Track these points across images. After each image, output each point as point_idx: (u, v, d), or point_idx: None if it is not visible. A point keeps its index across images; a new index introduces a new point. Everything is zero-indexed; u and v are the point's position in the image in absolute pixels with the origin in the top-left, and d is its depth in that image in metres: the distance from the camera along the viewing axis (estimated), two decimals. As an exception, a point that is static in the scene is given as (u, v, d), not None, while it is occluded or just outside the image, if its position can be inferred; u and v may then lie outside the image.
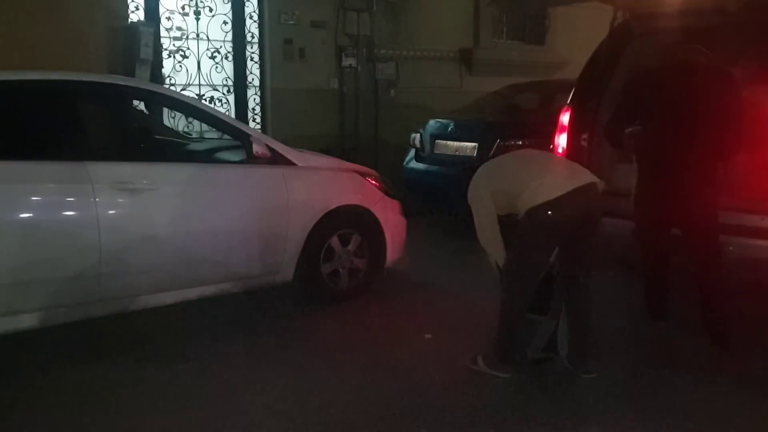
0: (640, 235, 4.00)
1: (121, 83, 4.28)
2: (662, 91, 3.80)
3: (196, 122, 6.78)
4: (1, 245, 3.36)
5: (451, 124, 6.88)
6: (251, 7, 7.75)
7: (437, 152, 6.93)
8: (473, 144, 6.49)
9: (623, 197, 4.18)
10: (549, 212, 3.25)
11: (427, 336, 4.06)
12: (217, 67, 7.60)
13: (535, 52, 10.01)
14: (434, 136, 6.99)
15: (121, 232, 3.68)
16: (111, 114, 4.29)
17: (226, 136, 4.58)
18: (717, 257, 3.67)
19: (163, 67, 6.99)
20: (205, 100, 7.49)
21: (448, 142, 6.79)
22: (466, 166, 6.47)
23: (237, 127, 4.38)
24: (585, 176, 3.40)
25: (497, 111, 7.14)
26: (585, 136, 4.59)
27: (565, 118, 4.71)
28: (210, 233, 4.03)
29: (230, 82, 7.75)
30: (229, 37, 7.65)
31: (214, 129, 4.51)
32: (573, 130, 4.67)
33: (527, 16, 9.92)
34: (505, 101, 7.40)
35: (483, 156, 6.10)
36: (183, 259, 3.93)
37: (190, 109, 4.43)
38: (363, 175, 4.89)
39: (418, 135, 7.23)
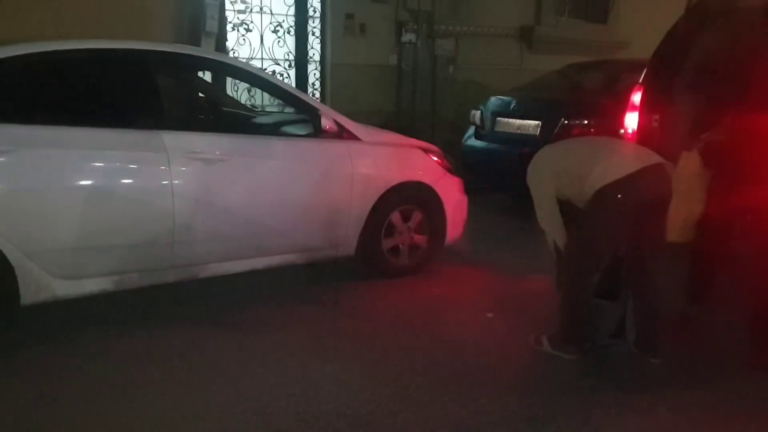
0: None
1: (197, 54, 4.35)
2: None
3: (257, 94, 6.88)
4: (79, 210, 3.47)
5: (514, 102, 6.79)
6: (317, -18, 7.77)
7: (498, 130, 6.85)
8: (536, 122, 6.40)
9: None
10: (618, 194, 3.19)
11: (489, 315, 4.06)
12: (279, 41, 7.66)
13: (598, 30, 9.77)
14: (496, 114, 6.91)
15: (194, 201, 3.77)
16: (184, 85, 4.37)
17: (291, 109, 4.62)
18: None
19: (227, 40, 7.07)
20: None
21: (510, 120, 6.71)
22: (529, 145, 6.46)
23: (307, 102, 4.42)
24: (654, 157, 3.32)
25: (561, 89, 7.01)
26: (656, 117, 4.46)
27: (636, 97, 4.58)
28: (277, 205, 4.10)
29: (292, 57, 7.79)
30: (292, 11, 7.68)
31: (283, 102, 4.54)
32: (644, 110, 4.54)
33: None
34: (568, 80, 7.26)
35: (546, 134, 6.04)
36: (251, 229, 4.02)
37: (264, 83, 4.48)
38: (426, 151, 4.88)
39: (479, 112, 7.15)
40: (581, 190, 3.31)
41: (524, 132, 6.52)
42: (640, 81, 4.61)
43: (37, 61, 3.47)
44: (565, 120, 6.09)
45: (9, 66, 3.38)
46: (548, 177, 3.38)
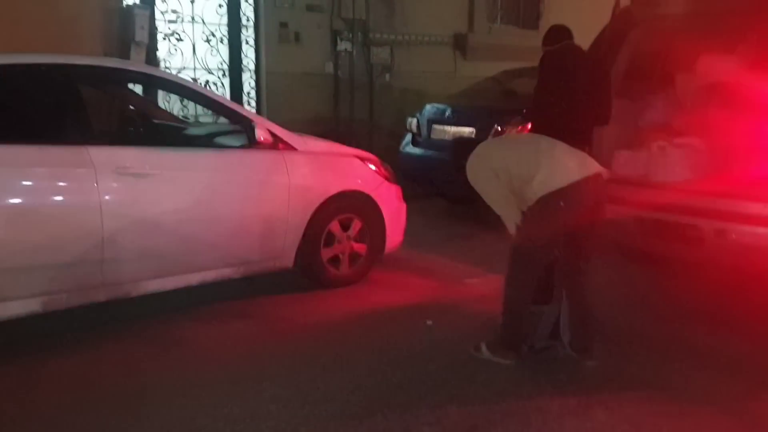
0: None
1: (122, 67, 4.24)
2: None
3: (190, 105, 6.74)
4: (2, 230, 3.32)
5: (448, 109, 6.86)
6: (248, -10, 7.68)
7: (434, 137, 6.92)
8: (470, 129, 6.48)
9: (622, 184, 4.21)
10: (561, 202, 3.26)
11: (429, 322, 4.06)
12: (212, 51, 7.54)
13: (530, 36, 9.93)
14: (431, 121, 6.98)
15: (123, 217, 3.66)
16: (111, 98, 4.24)
17: (224, 120, 4.54)
18: None
19: (158, 50, 6.92)
20: (200, 83, 7.42)
21: (446, 127, 6.78)
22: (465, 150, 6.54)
23: (239, 112, 4.35)
24: (593, 165, 3.41)
25: (494, 96, 7.12)
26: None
27: (566, 104, 4.70)
28: (211, 219, 4.01)
29: (225, 66, 7.68)
30: (225, 20, 7.57)
31: (215, 113, 4.46)
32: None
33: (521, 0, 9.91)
34: (501, 86, 7.38)
35: (481, 141, 6.09)
36: (184, 244, 3.92)
37: (194, 94, 4.39)
38: (363, 160, 4.87)
39: (415, 119, 7.20)
40: (521, 192, 3.37)
41: (459, 138, 6.58)
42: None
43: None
44: (498, 126, 6.19)
45: None
46: (486, 173, 3.42)
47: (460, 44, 9.39)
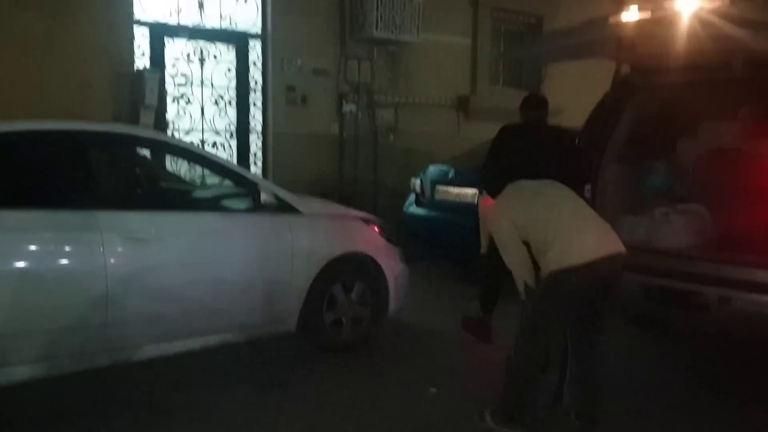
0: None
1: (130, 132, 4.33)
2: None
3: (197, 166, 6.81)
4: (7, 294, 3.33)
5: (452, 170, 6.93)
6: (255, 54, 7.86)
7: (438, 198, 6.97)
8: (474, 190, 6.53)
9: (629, 249, 4.21)
10: (574, 279, 3.22)
11: (432, 390, 4.02)
12: (220, 113, 7.67)
13: (532, 99, 10.14)
14: (435, 182, 7.04)
15: (128, 282, 3.67)
16: (119, 162, 4.31)
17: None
18: None
19: (166, 112, 7.04)
20: (208, 145, 7.54)
21: (449, 188, 6.83)
22: (467, 212, 6.56)
23: (244, 176, 4.41)
24: (612, 243, 3.32)
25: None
26: (588, 187, 4.63)
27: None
28: (215, 283, 4.02)
29: (233, 128, 7.80)
30: (233, 83, 7.73)
31: (221, 177, 4.53)
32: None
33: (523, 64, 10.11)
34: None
35: (484, 202, 6.13)
36: (188, 308, 3.92)
37: (198, 158, 4.46)
38: (366, 221, 4.90)
39: (419, 180, 7.27)
40: (537, 254, 3.35)
41: (463, 200, 6.64)
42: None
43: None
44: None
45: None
46: (510, 225, 3.38)
47: (462, 106, 9.55)
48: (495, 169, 4.35)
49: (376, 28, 7.97)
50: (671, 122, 4.73)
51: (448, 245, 6.78)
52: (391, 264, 4.83)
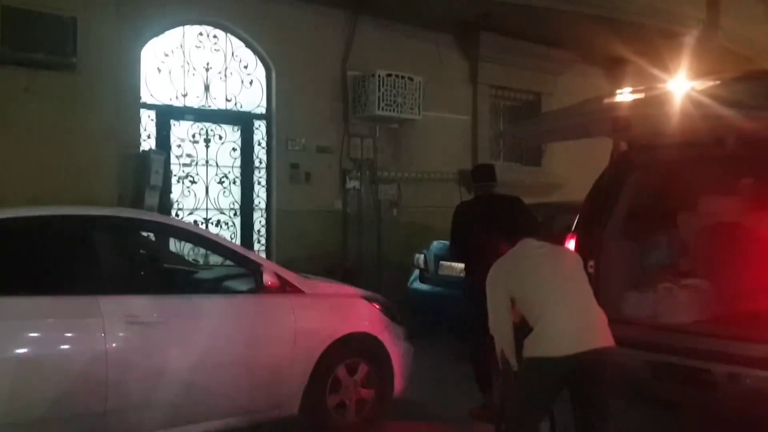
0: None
1: (132, 216, 4.39)
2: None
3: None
4: (8, 383, 3.31)
5: (456, 246, 6.93)
6: (260, 134, 8.03)
7: (442, 273, 6.96)
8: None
9: (634, 326, 4.18)
10: (548, 371, 3.16)
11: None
12: (225, 192, 7.77)
13: (533, 173, 10.27)
14: (438, 257, 7.05)
15: (129, 367, 3.65)
16: (122, 246, 4.35)
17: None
18: None
19: (171, 192, 7.13)
20: (212, 223, 7.61)
21: (453, 264, 6.83)
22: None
23: (248, 257, 4.44)
24: (596, 338, 3.21)
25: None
26: (591, 263, 4.63)
27: (570, 245, 4.77)
28: (217, 367, 4.00)
29: (237, 206, 7.89)
30: (238, 162, 7.87)
31: (224, 258, 4.56)
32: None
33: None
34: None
35: (488, 279, 6.12)
36: (190, 393, 3.88)
37: (201, 240, 4.50)
38: (369, 300, 4.88)
39: (422, 256, 7.28)
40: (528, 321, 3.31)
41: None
42: (573, 229, 4.81)
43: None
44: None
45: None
46: (500, 291, 3.37)
47: (465, 180, 9.65)
48: (457, 242, 5.18)
49: (378, 107, 8.16)
50: (671, 197, 4.78)
51: (453, 321, 6.72)
52: (395, 344, 4.78)
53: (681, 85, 3.83)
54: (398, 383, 4.75)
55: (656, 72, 6.17)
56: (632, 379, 4.23)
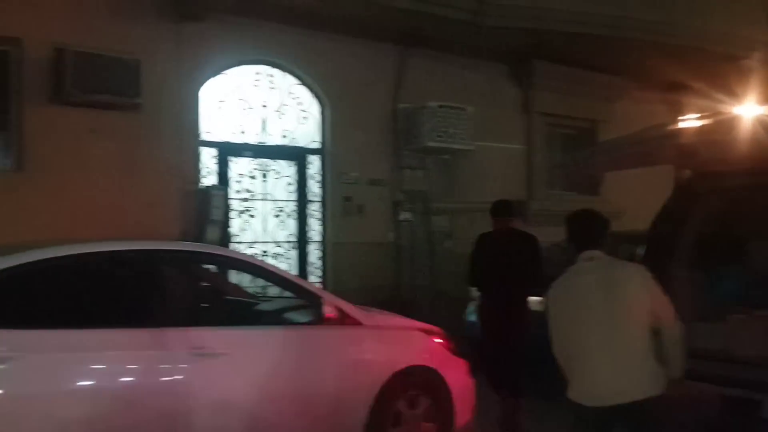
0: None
1: (199, 250, 4.50)
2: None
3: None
4: (80, 415, 3.39)
5: (513, 277, 6.83)
6: (314, 168, 8.15)
7: (499, 306, 6.83)
8: (539, 298, 6.39)
9: (704, 359, 4.02)
10: (583, 416, 3.04)
11: None
12: (281, 225, 7.88)
13: (590, 202, 10.06)
14: (496, 289, 6.93)
15: (196, 398, 3.70)
16: (187, 279, 4.42)
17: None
18: None
19: (230, 226, 7.27)
20: (269, 256, 7.70)
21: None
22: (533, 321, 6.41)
23: (308, 289, 4.48)
24: (637, 385, 2.97)
25: (558, 263, 7.08)
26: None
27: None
28: (280, 398, 4.01)
29: (293, 238, 7.98)
30: (293, 196, 7.99)
31: (284, 290, 4.61)
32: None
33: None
34: (565, 253, 7.36)
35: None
36: (254, 425, 3.90)
37: (264, 272, 4.55)
38: (429, 333, 4.84)
39: (479, 287, 7.18)
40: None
41: (527, 307, 6.48)
42: (642, 259, 4.69)
43: (43, 268, 3.58)
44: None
45: (16, 274, 3.47)
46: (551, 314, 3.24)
47: (519, 211, 9.57)
48: (475, 272, 5.62)
49: (430, 139, 8.19)
50: (740, 225, 4.63)
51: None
52: (455, 377, 4.71)
53: (750, 110, 3.72)
54: (460, 418, 4.66)
55: (716, 97, 6.04)
56: (702, 413, 4.08)
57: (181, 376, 3.66)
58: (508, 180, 9.51)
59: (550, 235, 7.84)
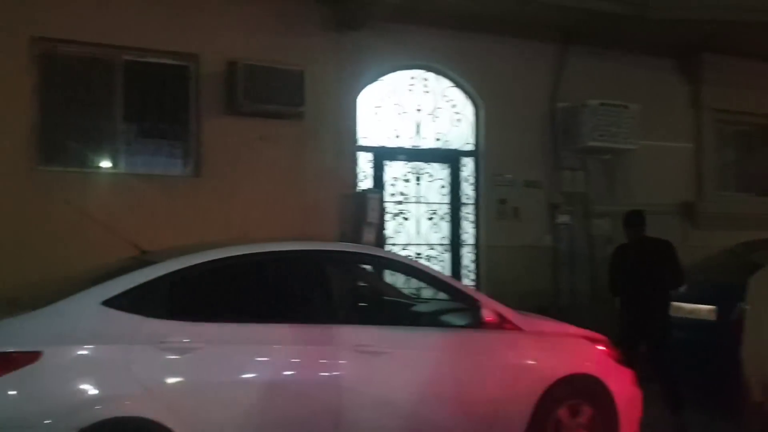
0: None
1: (360, 251, 4.64)
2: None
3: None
4: (251, 404, 3.58)
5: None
6: (467, 170, 8.12)
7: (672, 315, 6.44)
8: (710, 307, 5.95)
9: None
10: None
11: None
12: (434, 227, 7.93)
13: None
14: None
15: (359, 396, 3.79)
16: (349, 278, 4.57)
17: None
18: None
19: (385, 229, 7.43)
20: (423, 258, 7.78)
21: (681, 304, 6.28)
22: (703, 331, 5.97)
23: (467, 293, 4.45)
24: None
25: (735, 271, 6.54)
26: None
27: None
28: (438, 400, 4.01)
29: (446, 241, 8.00)
30: (447, 199, 8.01)
31: (442, 293, 4.61)
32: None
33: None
34: (741, 260, 6.78)
35: (723, 321, 5.57)
36: (413, 424, 3.93)
37: (423, 275, 4.58)
38: (592, 341, 4.64)
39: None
40: None
41: (697, 317, 6.07)
42: None
43: (222, 266, 3.82)
44: (743, 305, 5.61)
45: (198, 271, 3.75)
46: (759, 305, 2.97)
47: (688, 213, 8.95)
48: (614, 282, 5.96)
49: (591, 139, 7.89)
50: None
51: (681, 367, 6.16)
52: (621, 387, 4.48)
53: None
54: (625, 429, 4.42)
55: None
56: None
57: (346, 372, 3.76)
58: (674, 181, 8.95)
59: (721, 240, 7.27)
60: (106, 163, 6.45)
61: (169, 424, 3.38)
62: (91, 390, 3.32)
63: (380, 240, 7.21)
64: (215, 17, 6.65)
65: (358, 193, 7.30)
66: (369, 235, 6.96)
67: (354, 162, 7.47)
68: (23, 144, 5.97)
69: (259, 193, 6.78)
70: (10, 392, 3.19)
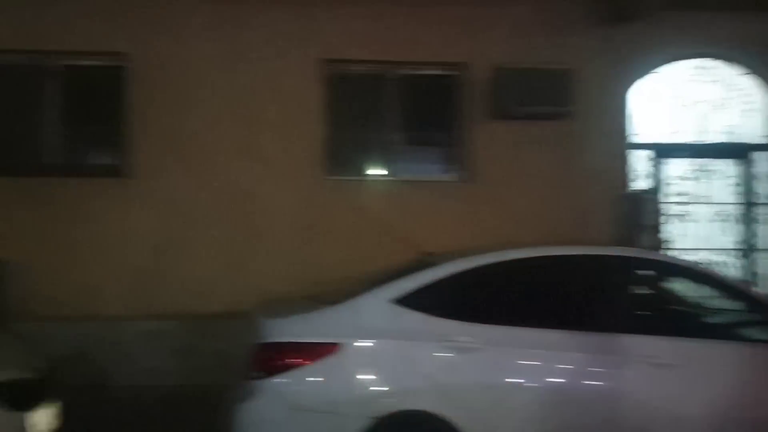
0: None
1: (643, 256, 4.31)
2: None
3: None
4: (524, 408, 3.56)
5: None
6: (761, 166, 7.21)
7: None
8: None
9: None
10: None
11: None
12: (722, 230, 7.17)
13: None
14: None
15: (643, 408, 3.56)
16: (632, 286, 4.29)
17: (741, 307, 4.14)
18: None
19: (661, 231, 6.90)
20: (709, 263, 7.07)
21: None
22: None
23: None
24: None
25: None
26: None
27: None
28: (737, 422, 3.61)
29: (737, 245, 7.18)
30: (736, 198, 7.22)
31: (740, 305, 4.13)
32: None
33: None
34: None
35: None
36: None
37: (718, 283, 4.12)
38: None
39: None
40: None
41: None
42: None
43: (505, 269, 3.86)
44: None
45: (481, 274, 3.81)
46: None
47: None
48: None
49: None
50: None
51: None
52: None
53: None
54: None
55: None
56: None
57: (636, 385, 3.57)
58: None
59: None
60: (381, 171, 6.87)
61: (451, 419, 3.47)
62: (384, 382, 3.56)
63: (656, 244, 6.70)
64: (483, 25, 6.76)
65: (631, 194, 6.89)
66: (645, 238, 6.52)
67: (625, 160, 7.06)
68: (316, 156, 6.65)
69: (528, 195, 6.74)
70: (316, 379, 3.54)
